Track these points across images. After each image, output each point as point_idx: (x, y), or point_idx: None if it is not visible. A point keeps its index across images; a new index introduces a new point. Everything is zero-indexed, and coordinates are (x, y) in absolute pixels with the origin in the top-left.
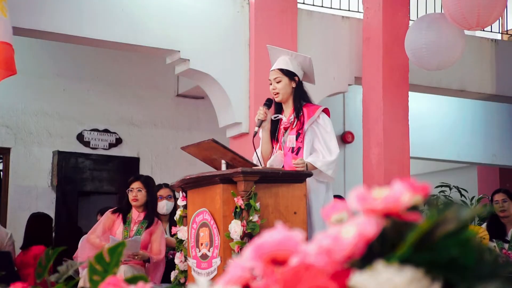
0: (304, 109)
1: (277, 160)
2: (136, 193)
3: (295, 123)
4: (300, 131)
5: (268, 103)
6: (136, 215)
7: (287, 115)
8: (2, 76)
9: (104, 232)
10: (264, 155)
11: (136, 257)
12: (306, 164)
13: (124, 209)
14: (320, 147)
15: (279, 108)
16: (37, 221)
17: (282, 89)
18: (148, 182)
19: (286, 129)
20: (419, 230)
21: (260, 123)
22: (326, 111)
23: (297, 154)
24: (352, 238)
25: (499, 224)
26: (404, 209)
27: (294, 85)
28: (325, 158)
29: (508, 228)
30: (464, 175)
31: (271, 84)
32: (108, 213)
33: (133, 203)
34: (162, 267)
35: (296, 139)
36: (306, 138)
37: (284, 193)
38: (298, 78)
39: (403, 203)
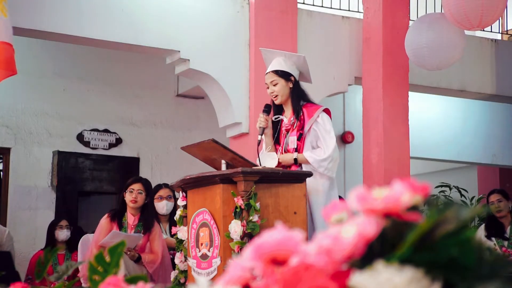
0: (304, 109)
1: (266, 157)
2: (136, 194)
3: (295, 124)
4: (301, 132)
5: (267, 109)
6: (132, 219)
7: (288, 116)
8: (2, 76)
9: None
10: None
11: (128, 252)
12: (295, 158)
13: (118, 212)
14: (321, 145)
15: (279, 110)
16: None
17: (279, 91)
18: (148, 185)
19: (288, 130)
20: (419, 230)
21: (262, 131)
22: (326, 111)
23: None
24: (352, 238)
25: (498, 224)
26: (404, 209)
27: (291, 85)
28: (319, 155)
29: (506, 226)
30: (464, 175)
31: (268, 87)
32: (105, 219)
33: (131, 205)
34: (169, 268)
35: (298, 140)
36: (307, 139)
37: (284, 193)
38: (294, 78)
39: (403, 203)
